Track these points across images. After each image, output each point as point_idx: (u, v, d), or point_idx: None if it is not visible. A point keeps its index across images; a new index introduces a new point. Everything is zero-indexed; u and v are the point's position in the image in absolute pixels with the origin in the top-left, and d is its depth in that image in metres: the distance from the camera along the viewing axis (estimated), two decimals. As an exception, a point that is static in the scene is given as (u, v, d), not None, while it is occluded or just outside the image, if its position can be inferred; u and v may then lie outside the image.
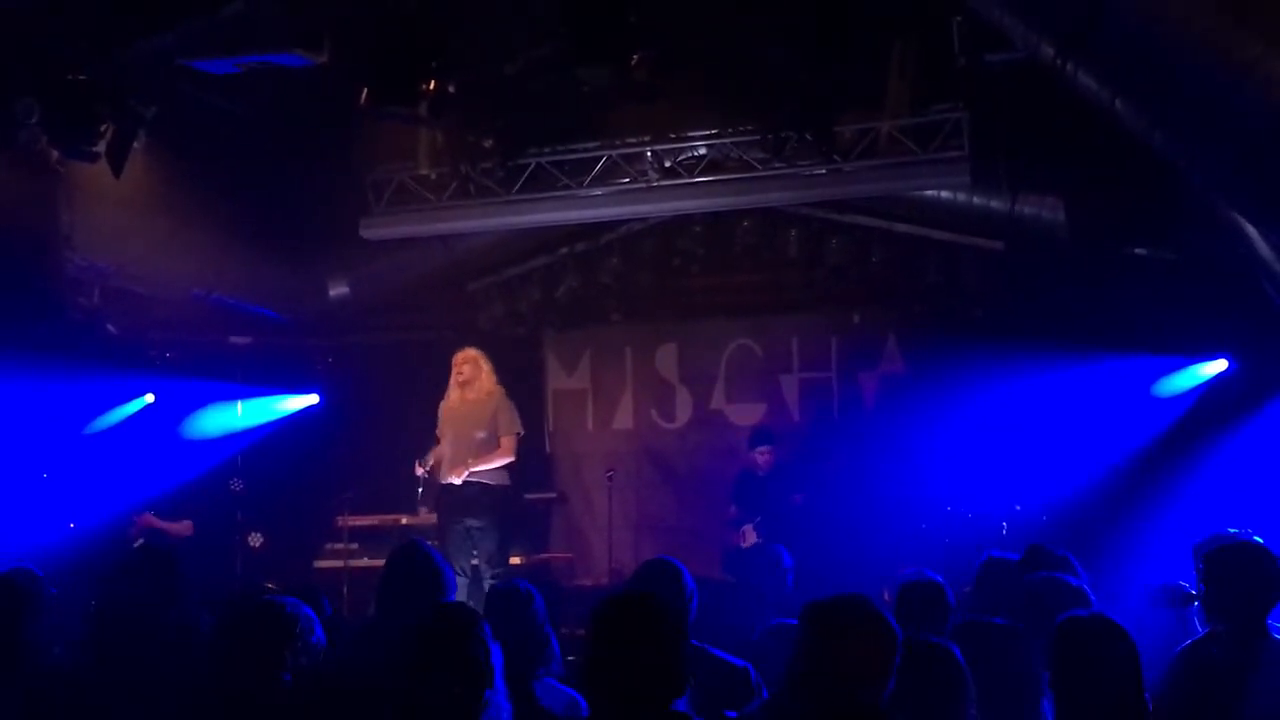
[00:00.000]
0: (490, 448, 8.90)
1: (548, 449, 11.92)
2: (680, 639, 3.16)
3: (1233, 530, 5.84)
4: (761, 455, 10.10)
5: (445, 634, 3.49)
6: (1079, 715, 3.61)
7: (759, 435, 10.34)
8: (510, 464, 9.03)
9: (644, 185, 9.61)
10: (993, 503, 9.48)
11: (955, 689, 3.56)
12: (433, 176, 9.89)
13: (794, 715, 3.29)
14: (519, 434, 9.02)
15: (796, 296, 11.29)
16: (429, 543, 5.36)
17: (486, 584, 8.43)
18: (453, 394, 8.97)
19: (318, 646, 3.49)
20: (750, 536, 9.78)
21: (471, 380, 8.86)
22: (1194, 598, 4.56)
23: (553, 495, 11.65)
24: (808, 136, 9.04)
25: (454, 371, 9.00)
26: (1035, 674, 4.05)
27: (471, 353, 9.00)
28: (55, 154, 7.46)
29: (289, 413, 11.61)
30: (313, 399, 11.66)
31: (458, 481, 8.79)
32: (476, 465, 8.78)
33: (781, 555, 6.94)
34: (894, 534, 9.66)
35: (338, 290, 11.00)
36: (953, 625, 4.71)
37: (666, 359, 11.81)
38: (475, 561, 8.78)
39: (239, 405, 11.30)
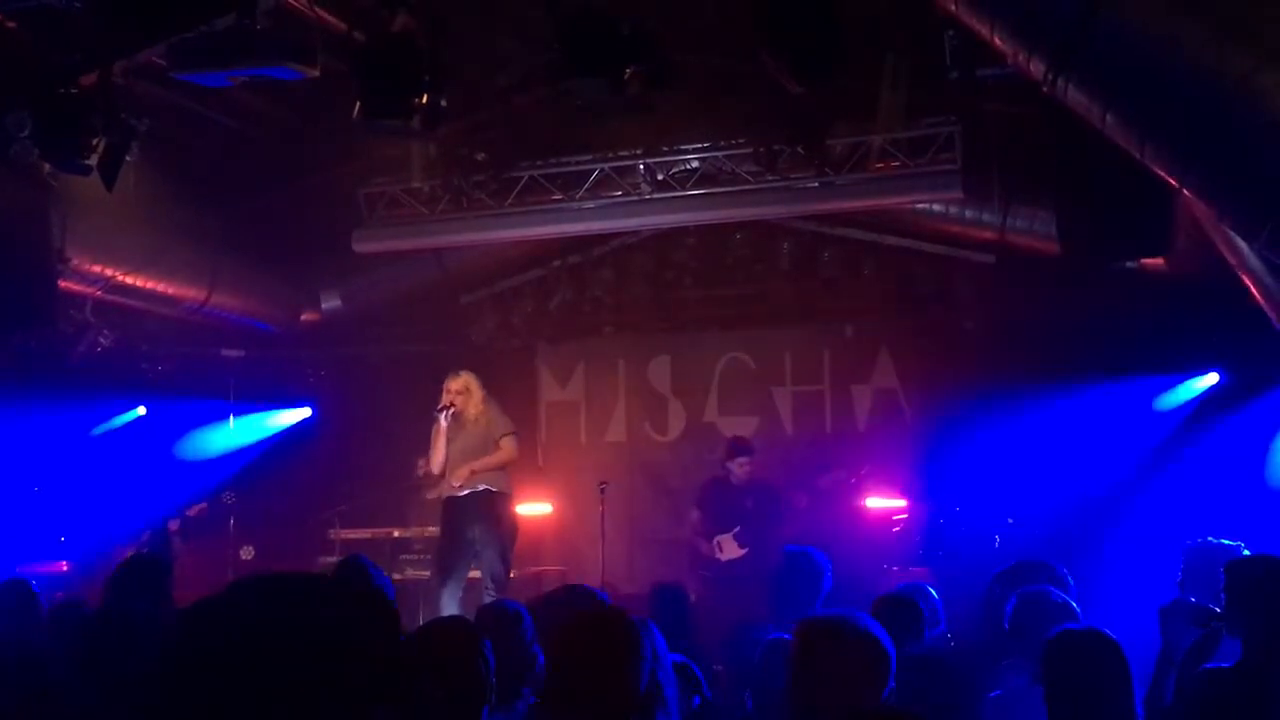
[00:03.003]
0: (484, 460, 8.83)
1: (540, 461, 11.91)
2: (637, 660, 3.11)
3: (1225, 541, 5.85)
4: (741, 467, 9.89)
5: (448, 647, 3.48)
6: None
7: (741, 447, 10.09)
8: (510, 466, 8.96)
9: (637, 198, 9.63)
10: (985, 515, 9.48)
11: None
12: (425, 189, 9.89)
13: None
14: (515, 432, 8.96)
15: (789, 309, 11.31)
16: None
17: (485, 598, 8.37)
18: (441, 420, 8.79)
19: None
20: (730, 548, 9.64)
21: (463, 409, 8.80)
22: (1217, 616, 4.55)
23: (545, 508, 11.63)
24: (800, 149, 9.07)
25: (444, 396, 8.87)
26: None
27: (461, 381, 8.89)
28: (47, 167, 7.44)
29: (283, 428, 11.59)
30: (305, 412, 11.65)
31: (461, 492, 8.71)
32: (478, 466, 8.72)
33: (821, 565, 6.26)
34: (888, 546, 9.67)
35: (330, 303, 11.01)
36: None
37: (659, 371, 11.81)
38: (475, 574, 8.72)
39: (231, 420, 11.29)
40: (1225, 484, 8.83)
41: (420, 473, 9.04)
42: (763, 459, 10.11)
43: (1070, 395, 9.58)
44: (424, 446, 9.10)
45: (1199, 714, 4.18)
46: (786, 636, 4.59)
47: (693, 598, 5.60)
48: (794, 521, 9.64)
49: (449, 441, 8.72)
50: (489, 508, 8.67)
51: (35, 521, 9.86)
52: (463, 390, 8.80)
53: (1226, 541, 5.82)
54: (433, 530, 9.45)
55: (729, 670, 5.20)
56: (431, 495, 9.03)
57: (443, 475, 8.78)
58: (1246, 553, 5.39)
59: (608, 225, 10.20)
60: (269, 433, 11.55)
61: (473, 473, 8.68)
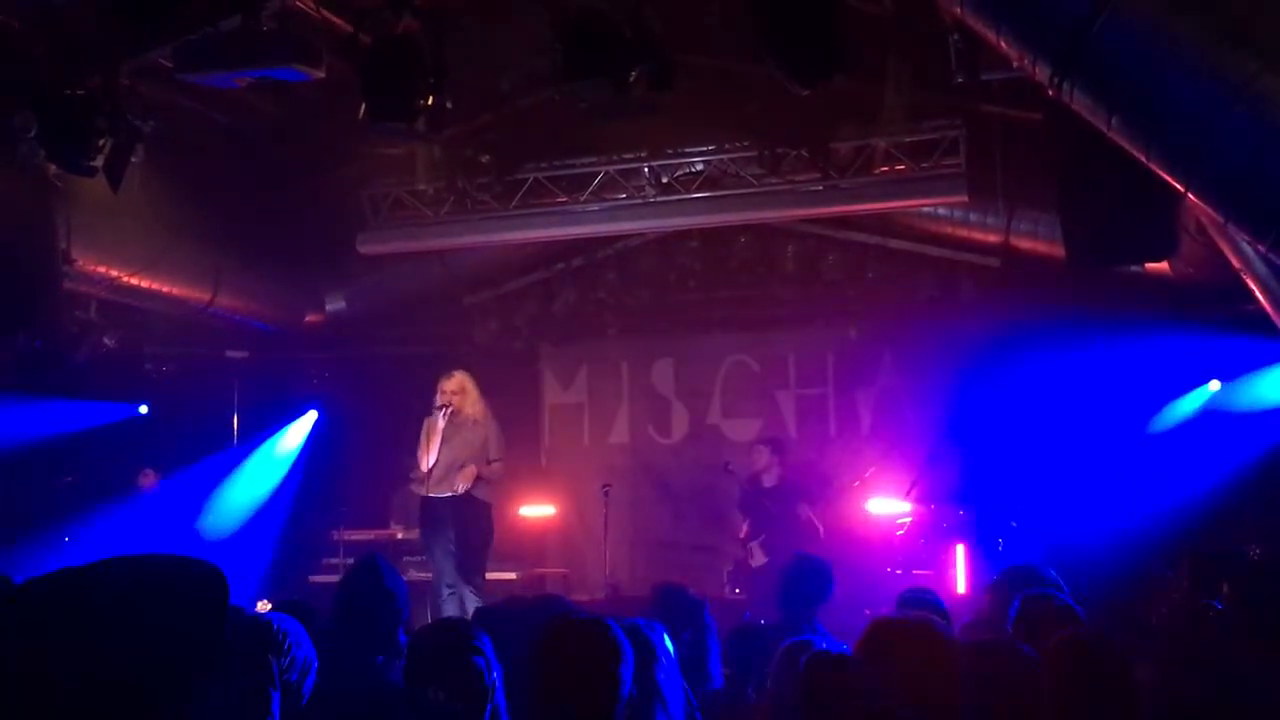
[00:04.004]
0: (480, 463, 8.85)
1: (543, 464, 11.92)
2: (616, 665, 3.11)
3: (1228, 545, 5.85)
4: (762, 457, 10.02)
5: (445, 647, 3.48)
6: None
7: (765, 438, 10.36)
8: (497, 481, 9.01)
9: (641, 201, 9.63)
10: (989, 519, 9.47)
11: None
12: (430, 191, 9.90)
13: None
14: (504, 459, 9.01)
15: (793, 312, 11.31)
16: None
17: (469, 601, 8.38)
18: (439, 419, 8.83)
19: (306, 662, 3.48)
20: (758, 555, 9.70)
21: (460, 408, 8.80)
22: (1219, 614, 4.56)
23: (548, 510, 11.64)
24: (804, 153, 9.07)
25: (439, 398, 8.88)
26: None
27: (457, 380, 8.89)
28: (53, 168, 7.45)
29: (298, 449, 11.55)
30: (312, 416, 11.64)
31: (442, 494, 8.72)
32: (484, 473, 8.74)
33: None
34: (892, 550, 9.67)
35: (334, 304, 11.01)
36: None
37: (663, 374, 11.81)
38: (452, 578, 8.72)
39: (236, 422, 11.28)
40: (1228, 488, 8.82)
41: (414, 474, 9.04)
42: (752, 461, 10.21)
43: (1074, 399, 9.58)
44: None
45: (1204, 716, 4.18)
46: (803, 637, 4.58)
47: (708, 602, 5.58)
48: (812, 529, 9.67)
49: (443, 442, 8.72)
50: (467, 511, 8.68)
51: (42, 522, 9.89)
52: (459, 390, 8.81)
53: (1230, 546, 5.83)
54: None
55: (734, 668, 5.21)
56: (420, 492, 9.03)
57: (430, 474, 8.76)
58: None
59: (612, 228, 10.20)
60: (287, 463, 11.49)
61: (478, 478, 8.69)
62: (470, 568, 8.63)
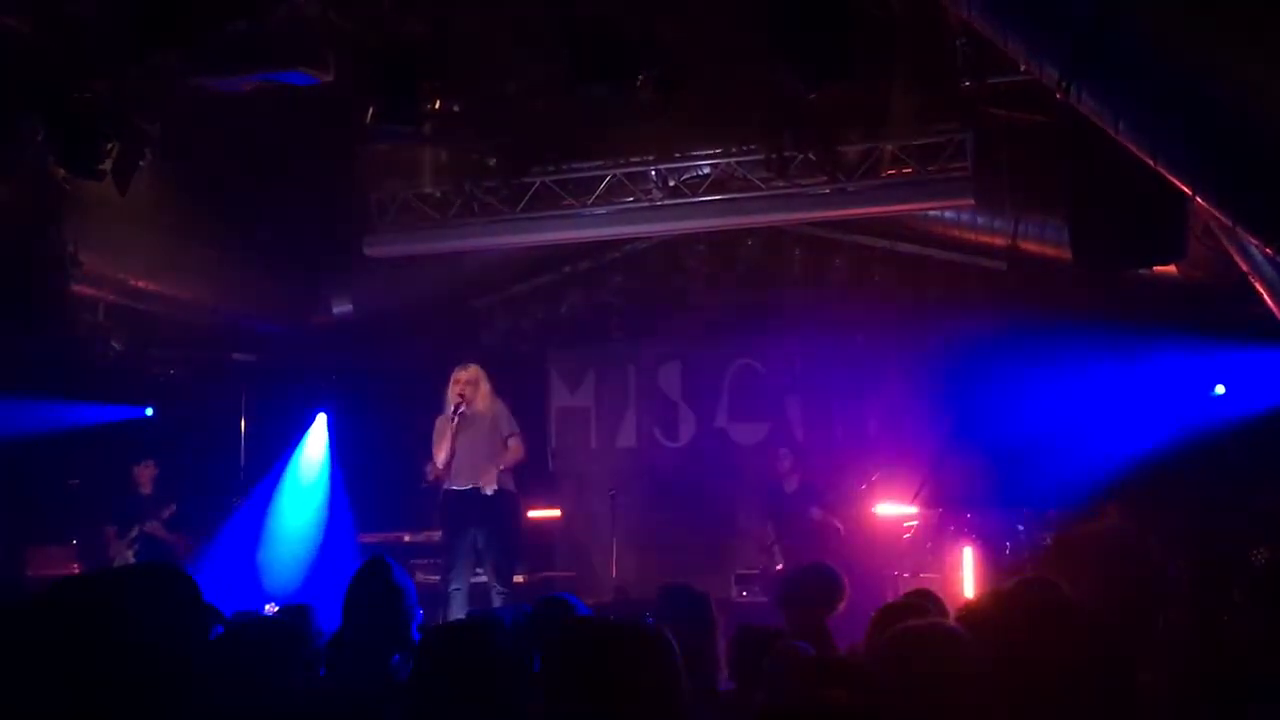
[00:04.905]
0: (501, 453, 8.83)
1: (550, 467, 11.92)
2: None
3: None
4: (783, 460, 10.03)
5: (458, 646, 3.48)
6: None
7: (783, 444, 10.42)
8: (519, 466, 8.98)
9: (648, 204, 9.62)
10: (995, 522, 9.46)
11: None
12: (437, 194, 9.90)
13: None
14: (520, 432, 8.98)
15: (800, 315, 11.30)
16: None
17: (495, 600, 8.36)
18: (451, 414, 8.80)
19: (308, 663, 3.48)
20: (780, 558, 9.71)
21: (471, 400, 8.80)
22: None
23: (555, 513, 11.64)
24: (811, 156, 9.06)
25: (453, 387, 8.88)
26: None
27: (472, 371, 8.89)
28: (61, 171, 7.47)
29: (325, 465, 11.56)
30: (322, 420, 11.66)
31: (465, 487, 8.70)
32: (503, 465, 8.72)
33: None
34: (898, 553, 9.66)
35: (341, 307, 11.01)
36: None
37: (670, 377, 11.82)
38: (481, 577, 8.70)
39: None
40: (1233, 490, 8.79)
41: (431, 476, 9.02)
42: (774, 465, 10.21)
43: (1081, 403, 9.55)
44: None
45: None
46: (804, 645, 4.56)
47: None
48: (829, 531, 9.68)
49: (458, 434, 8.71)
50: (496, 507, 8.65)
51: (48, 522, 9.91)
52: (472, 381, 8.80)
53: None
54: (443, 534, 9.45)
55: (737, 672, 5.21)
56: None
57: (448, 470, 8.74)
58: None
59: (619, 231, 10.20)
60: (322, 485, 11.51)
61: (499, 470, 8.65)
62: (504, 570, 8.59)
